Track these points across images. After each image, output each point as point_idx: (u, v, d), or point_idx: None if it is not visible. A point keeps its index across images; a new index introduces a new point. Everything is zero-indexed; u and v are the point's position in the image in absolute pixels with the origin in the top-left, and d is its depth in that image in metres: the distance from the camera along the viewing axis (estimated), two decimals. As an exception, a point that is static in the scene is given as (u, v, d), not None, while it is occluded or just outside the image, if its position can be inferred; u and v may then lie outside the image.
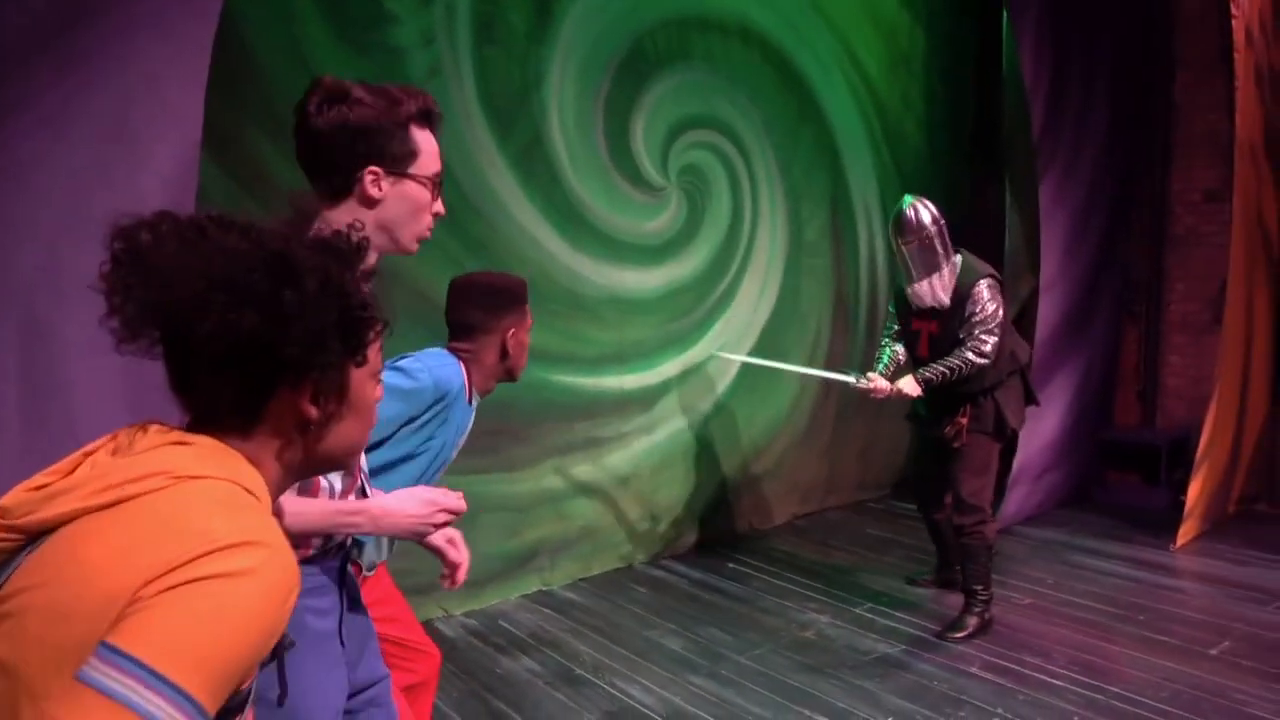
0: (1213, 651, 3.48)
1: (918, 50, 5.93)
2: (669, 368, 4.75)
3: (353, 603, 1.68)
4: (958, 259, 3.67)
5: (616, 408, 4.53)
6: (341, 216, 1.45)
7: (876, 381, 3.70)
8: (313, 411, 0.98)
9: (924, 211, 3.68)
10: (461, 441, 2.20)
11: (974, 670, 3.35)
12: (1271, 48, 5.23)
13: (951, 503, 3.73)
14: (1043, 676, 3.28)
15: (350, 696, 1.69)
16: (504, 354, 2.17)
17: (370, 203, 1.53)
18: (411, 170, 1.55)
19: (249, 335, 0.89)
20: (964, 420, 3.63)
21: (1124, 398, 6.12)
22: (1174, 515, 4.91)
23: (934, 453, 3.82)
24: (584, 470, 4.41)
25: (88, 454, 0.94)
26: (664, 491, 4.76)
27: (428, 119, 1.61)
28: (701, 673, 3.36)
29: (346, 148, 1.50)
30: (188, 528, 0.82)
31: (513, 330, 2.17)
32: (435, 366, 2.04)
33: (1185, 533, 4.82)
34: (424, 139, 1.59)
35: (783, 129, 5.18)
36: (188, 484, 0.86)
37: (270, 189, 3.27)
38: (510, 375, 2.23)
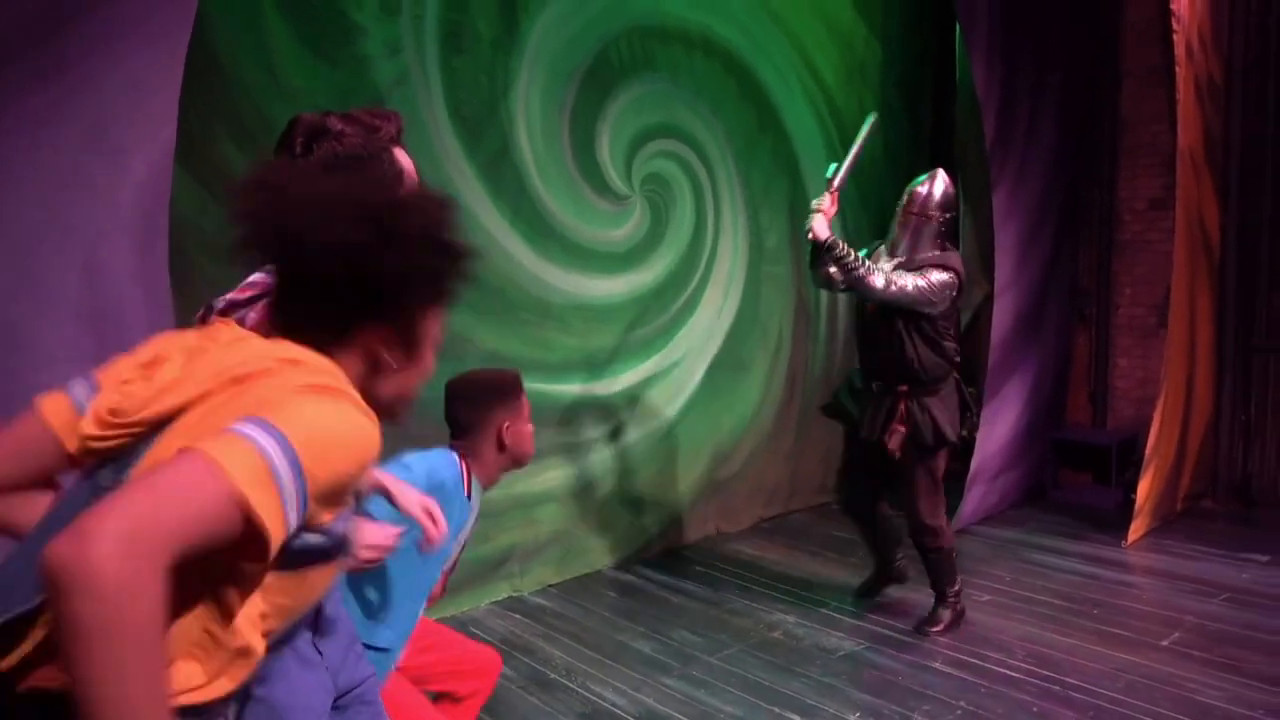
0: (1164, 643, 3.61)
1: (874, 60, 6.06)
2: (634, 374, 4.80)
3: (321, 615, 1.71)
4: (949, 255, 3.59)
5: (584, 414, 4.57)
6: None
7: (824, 202, 3.62)
8: (386, 353, 1.10)
9: (938, 191, 3.59)
10: (464, 537, 2.22)
11: (937, 665, 3.44)
12: (1210, 61, 5.44)
13: (910, 529, 3.72)
14: (1003, 670, 3.38)
15: (338, 698, 1.72)
16: (501, 446, 2.22)
17: None
18: None
19: (360, 251, 1.02)
20: (903, 428, 3.55)
21: (1075, 399, 6.30)
22: (1125, 513, 5.08)
23: (867, 465, 3.82)
24: (553, 476, 4.45)
25: (154, 359, 1.06)
26: (632, 496, 4.81)
27: (400, 137, 1.70)
28: (673, 674, 3.41)
29: None
30: (316, 370, 1.00)
31: (507, 423, 2.22)
32: (431, 459, 2.10)
33: (1136, 529, 4.99)
34: (403, 157, 1.67)
35: (743, 138, 5.27)
36: (301, 363, 1.00)
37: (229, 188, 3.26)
38: (517, 464, 2.29)
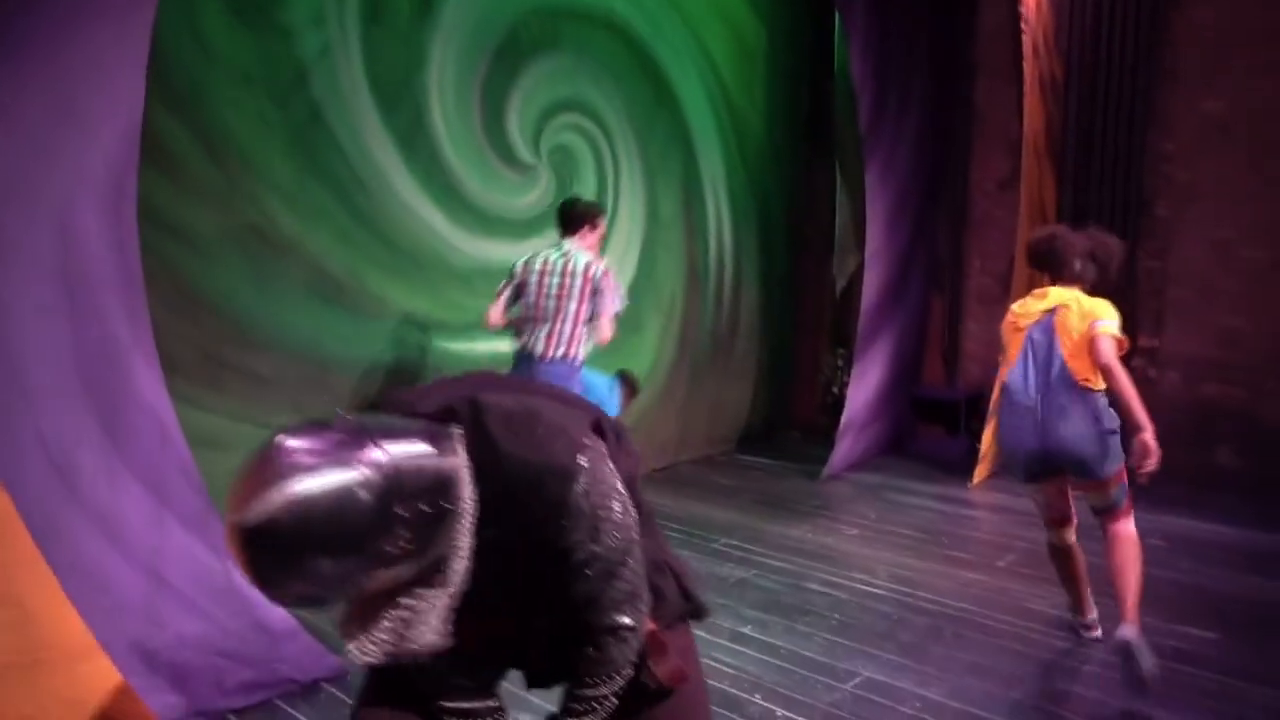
0: (1000, 563, 4.26)
1: (761, 46, 6.51)
2: (540, 334, 5.12)
3: None
4: None
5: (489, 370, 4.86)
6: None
7: None
8: None
9: None
10: None
11: (813, 586, 3.97)
12: (1053, 60, 6.13)
13: None
14: (869, 588, 3.93)
15: None
16: None
17: None
18: None
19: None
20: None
21: (931, 360, 7.01)
22: (970, 459, 5.78)
23: None
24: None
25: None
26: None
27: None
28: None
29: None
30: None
31: None
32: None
33: (979, 473, 5.69)
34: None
35: (641, 114, 5.62)
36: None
37: (170, 161, 3.41)
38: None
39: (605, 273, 3.98)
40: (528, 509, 1.35)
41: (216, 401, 3.64)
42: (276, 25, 3.76)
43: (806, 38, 6.84)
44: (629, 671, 1.47)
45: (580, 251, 4.00)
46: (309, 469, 1.13)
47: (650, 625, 1.51)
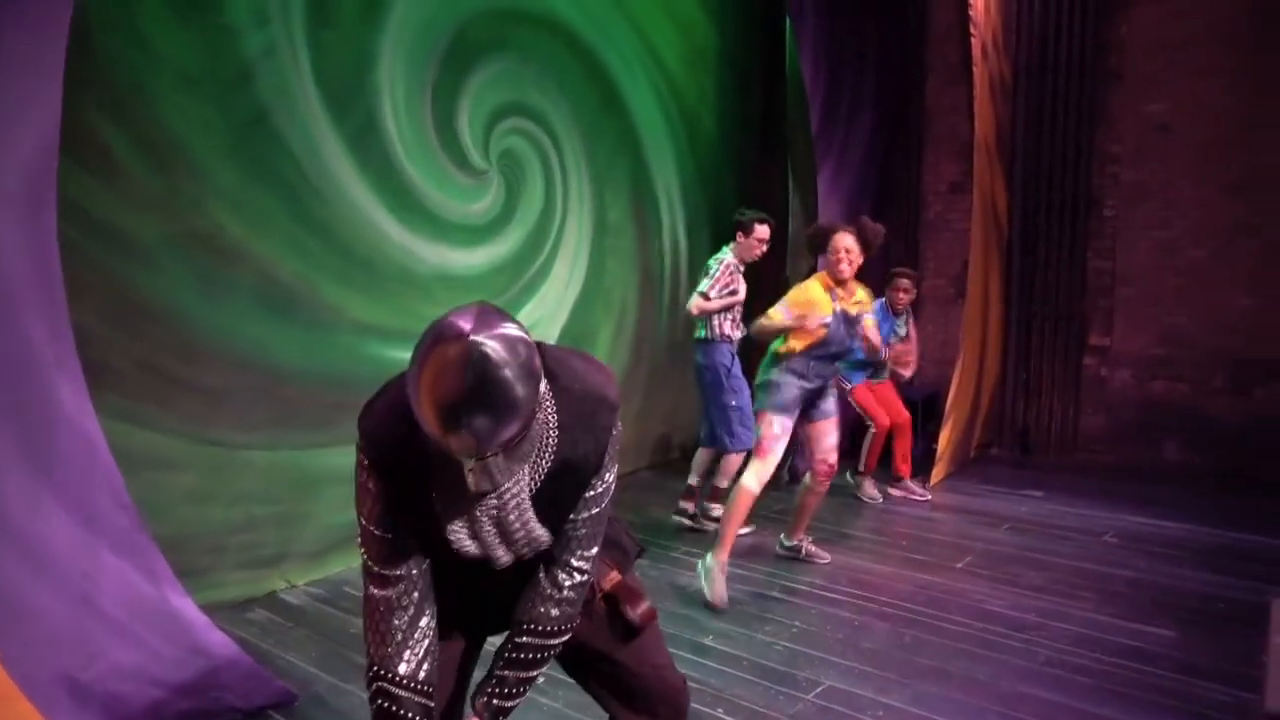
0: (958, 565, 4.25)
1: (712, 48, 6.48)
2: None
3: None
4: None
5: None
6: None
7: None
8: None
9: None
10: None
11: (774, 594, 3.93)
12: (1002, 61, 6.19)
13: None
14: (830, 594, 3.91)
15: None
16: None
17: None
18: None
19: None
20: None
21: (887, 361, 7.02)
22: (928, 460, 5.79)
23: None
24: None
25: None
26: (492, 458, 5.04)
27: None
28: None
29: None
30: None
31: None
32: None
33: (937, 473, 5.71)
34: None
35: (588, 119, 5.54)
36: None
37: (108, 165, 3.27)
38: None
39: (718, 264, 4.81)
40: (581, 431, 1.53)
41: (159, 418, 3.50)
42: (218, 24, 3.61)
43: (758, 37, 6.81)
44: (576, 623, 1.68)
45: (724, 250, 4.91)
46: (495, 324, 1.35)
47: (617, 576, 1.82)
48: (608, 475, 1.62)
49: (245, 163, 3.69)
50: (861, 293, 3.98)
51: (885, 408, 5.40)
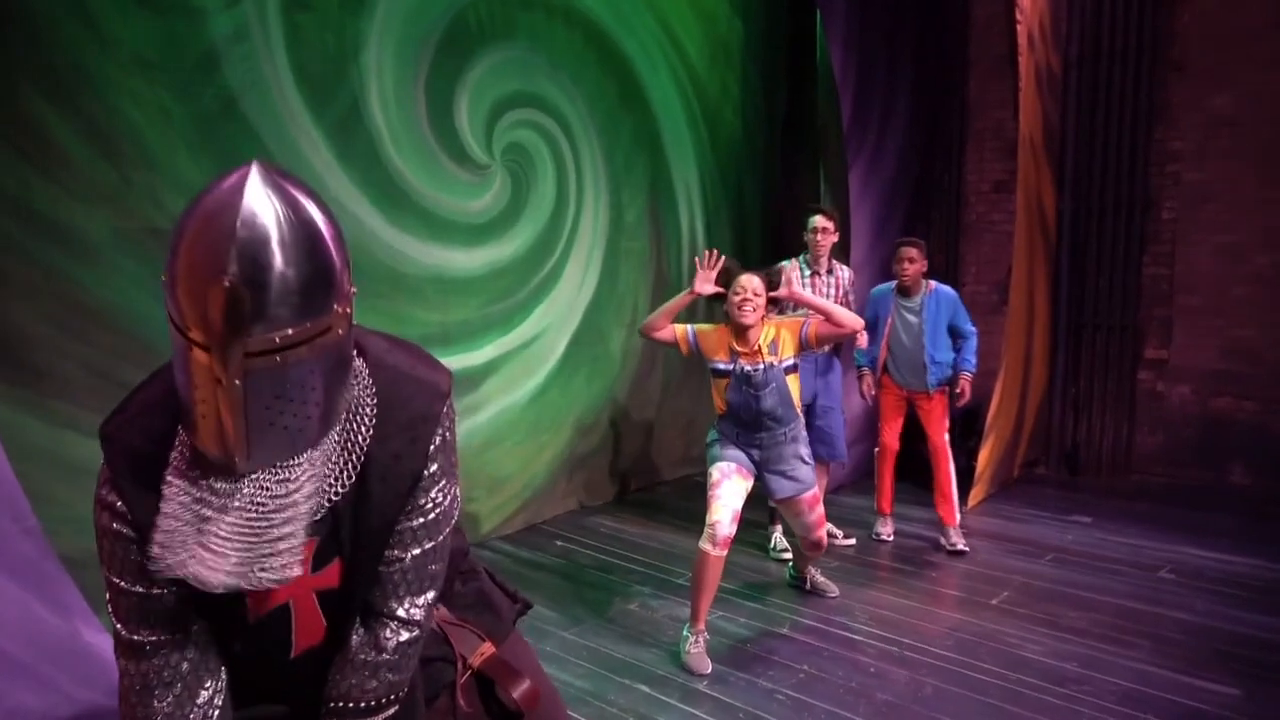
0: (993, 601, 3.84)
1: (736, 40, 6.12)
2: (495, 348, 4.73)
3: None
4: None
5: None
6: None
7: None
8: None
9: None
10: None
11: (784, 631, 3.55)
12: (1050, 51, 5.74)
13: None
14: (844, 633, 3.52)
15: None
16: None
17: None
18: None
19: None
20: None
21: (924, 373, 6.58)
22: (966, 480, 5.34)
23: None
24: (408, 452, 4.33)
25: None
26: (490, 471, 4.75)
27: None
28: (526, 649, 3.39)
29: None
30: None
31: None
32: None
33: (975, 495, 5.27)
34: None
35: (605, 112, 5.22)
36: None
37: (54, 157, 3.02)
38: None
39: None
40: (392, 425, 1.23)
41: (112, 427, 3.24)
42: (180, 5, 3.37)
43: (786, 30, 6.44)
44: (404, 695, 1.29)
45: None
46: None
47: (490, 648, 1.45)
48: (439, 495, 1.27)
49: (209, 154, 3.42)
50: (772, 332, 3.37)
51: (900, 422, 4.74)
